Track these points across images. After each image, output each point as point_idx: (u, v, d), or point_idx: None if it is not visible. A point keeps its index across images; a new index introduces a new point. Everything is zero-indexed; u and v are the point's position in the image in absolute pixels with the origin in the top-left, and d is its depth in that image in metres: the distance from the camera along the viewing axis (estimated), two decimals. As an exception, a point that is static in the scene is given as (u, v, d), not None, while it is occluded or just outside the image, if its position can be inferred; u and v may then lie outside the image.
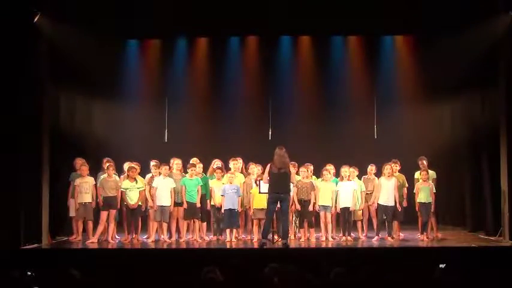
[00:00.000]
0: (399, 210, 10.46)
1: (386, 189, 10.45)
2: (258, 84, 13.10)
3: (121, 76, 12.65)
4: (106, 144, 12.02)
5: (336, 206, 10.48)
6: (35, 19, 9.70)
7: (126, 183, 10.28)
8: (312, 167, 10.74)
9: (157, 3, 10.38)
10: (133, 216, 10.30)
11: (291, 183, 9.81)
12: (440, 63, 11.60)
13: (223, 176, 10.55)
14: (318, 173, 10.80)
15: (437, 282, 5.21)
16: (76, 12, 10.09)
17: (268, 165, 9.61)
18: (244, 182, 10.52)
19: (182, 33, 12.22)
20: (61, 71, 10.57)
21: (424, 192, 10.39)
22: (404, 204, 10.67)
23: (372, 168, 10.80)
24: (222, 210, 10.28)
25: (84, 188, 10.29)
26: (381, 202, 10.49)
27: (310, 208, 10.32)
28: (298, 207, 10.27)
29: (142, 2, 10.43)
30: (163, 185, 10.35)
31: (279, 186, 9.49)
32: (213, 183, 10.56)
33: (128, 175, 10.31)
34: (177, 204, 10.40)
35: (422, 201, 10.38)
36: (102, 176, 10.42)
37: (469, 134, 11.67)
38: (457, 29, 10.57)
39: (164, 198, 10.32)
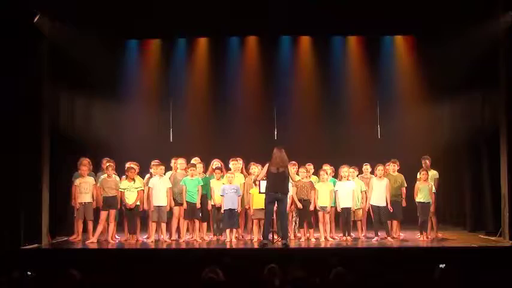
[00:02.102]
0: (391, 210, 10.44)
1: (378, 189, 10.46)
2: (258, 84, 13.10)
3: (121, 76, 12.65)
4: (106, 144, 12.00)
5: (335, 206, 10.48)
6: (35, 19, 9.69)
7: (124, 184, 10.30)
8: (312, 167, 10.73)
9: (157, 3, 10.38)
10: (131, 216, 10.30)
11: (290, 183, 9.80)
12: (440, 63, 11.61)
13: (222, 176, 10.55)
14: (319, 173, 10.78)
15: (437, 282, 5.21)
16: (76, 12, 10.09)
17: (267, 165, 9.61)
18: (244, 182, 10.51)
19: (182, 33, 12.23)
20: (61, 71, 10.57)
21: (423, 191, 10.39)
22: (404, 204, 10.66)
23: (374, 168, 10.78)
24: (222, 210, 10.28)
25: (84, 188, 10.31)
26: (373, 203, 10.51)
27: (311, 208, 10.33)
28: (300, 205, 10.26)
29: (142, 2, 10.42)
30: (159, 185, 10.35)
31: (277, 186, 9.45)
32: (212, 183, 10.54)
33: (126, 175, 10.33)
34: (179, 204, 10.40)
35: (421, 200, 10.38)
36: (102, 176, 10.42)
37: (469, 134, 11.66)
38: (457, 29, 10.58)
39: (161, 198, 10.31)
